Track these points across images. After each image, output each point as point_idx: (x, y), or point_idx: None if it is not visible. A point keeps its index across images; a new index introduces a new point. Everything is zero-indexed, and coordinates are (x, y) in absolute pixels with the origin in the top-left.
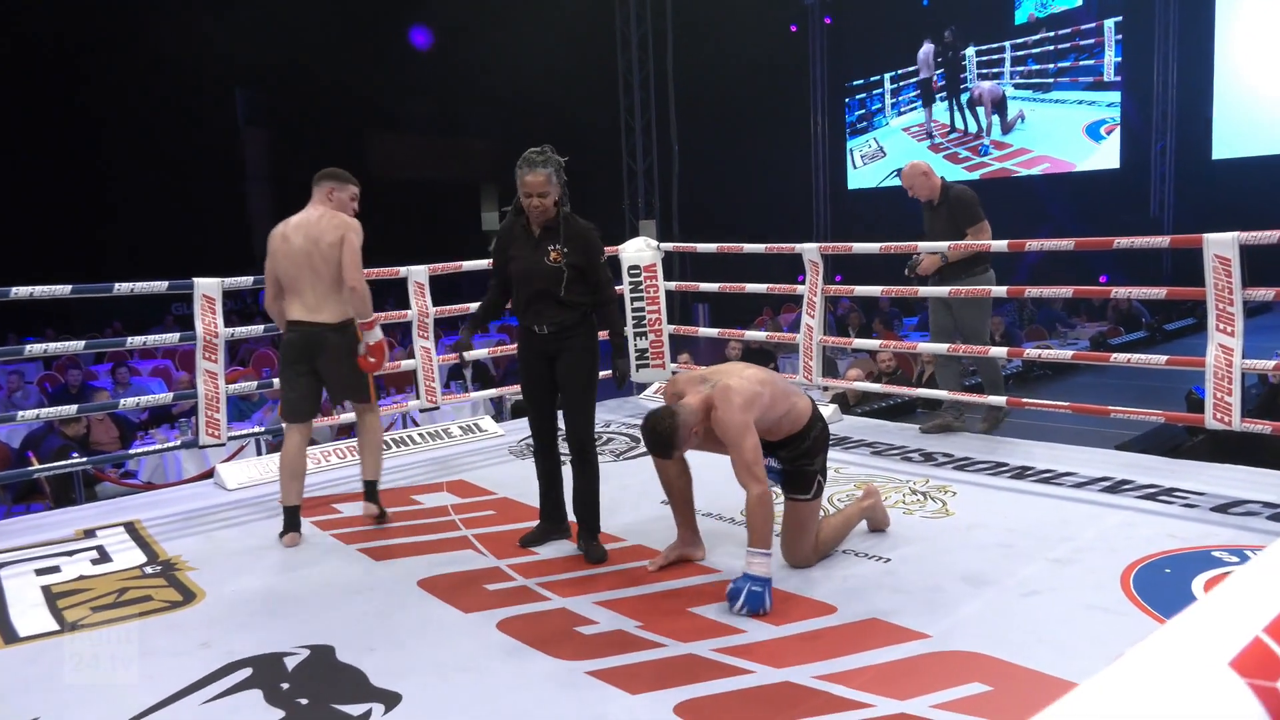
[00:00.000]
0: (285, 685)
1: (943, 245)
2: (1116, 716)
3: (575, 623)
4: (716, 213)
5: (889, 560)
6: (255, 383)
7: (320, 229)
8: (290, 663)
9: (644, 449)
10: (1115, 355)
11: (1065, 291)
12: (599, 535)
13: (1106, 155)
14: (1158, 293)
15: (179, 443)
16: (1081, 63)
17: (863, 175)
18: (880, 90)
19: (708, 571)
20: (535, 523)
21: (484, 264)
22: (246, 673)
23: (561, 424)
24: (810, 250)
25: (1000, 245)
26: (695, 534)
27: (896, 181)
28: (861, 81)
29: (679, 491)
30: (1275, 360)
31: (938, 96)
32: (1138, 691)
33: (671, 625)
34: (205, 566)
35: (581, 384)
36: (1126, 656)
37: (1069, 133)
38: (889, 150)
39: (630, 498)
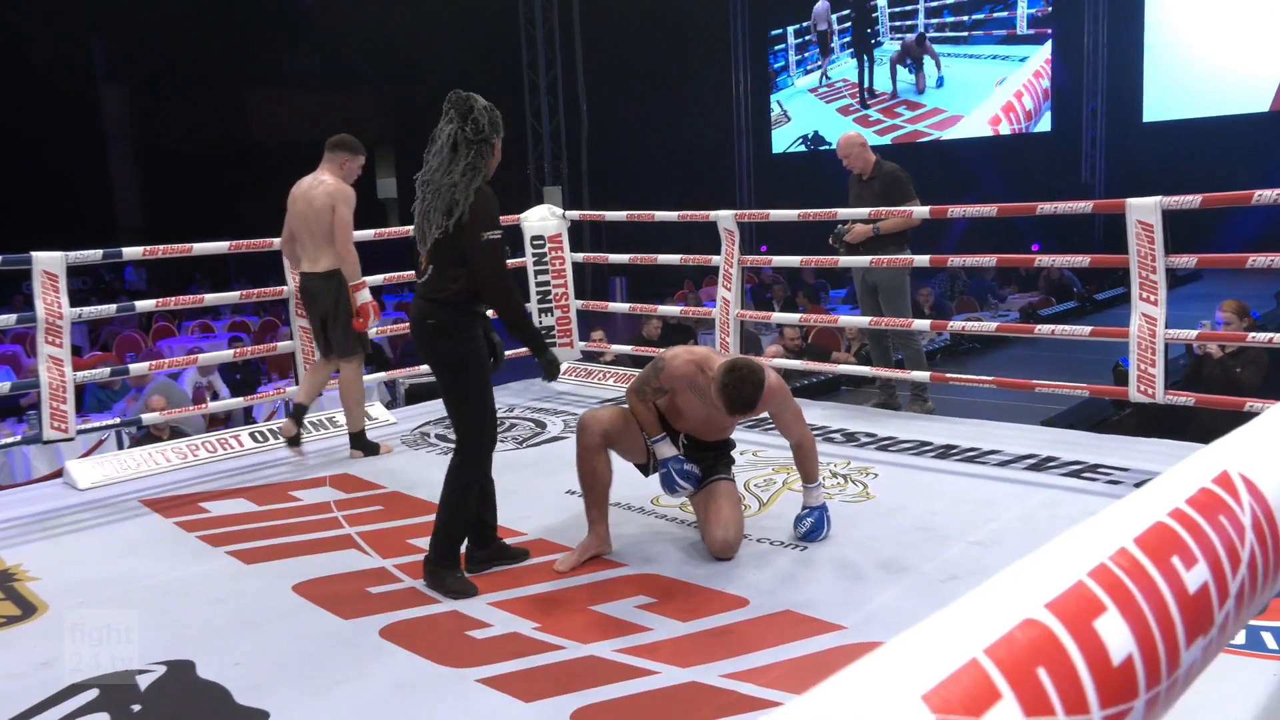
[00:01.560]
0: (137, 707)
1: (863, 212)
2: None
3: (466, 626)
4: (631, 179)
5: (805, 549)
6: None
7: (314, 195)
8: (143, 681)
9: (549, 435)
10: (1040, 327)
11: (988, 260)
12: (440, 566)
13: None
14: (1081, 260)
15: (20, 438)
16: (996, 14)
17: (778, 139)
18: (783, 46)
19: (612, 566)
20: (427, 518)
21: (381, 234)
22: (92, 695)
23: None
24: (725, 218)
25: (923, 211)
26: (608, 529)
27: (803, 148)
28: (779, 31)
29: (603, 484)
30: (1199, 330)
31: (846, 52)
32: None
33: (571, 625)
34: (49, 576)
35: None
36: (822, 685)
37: (985, 92)
38: (793, 113)
39: (531, 487)
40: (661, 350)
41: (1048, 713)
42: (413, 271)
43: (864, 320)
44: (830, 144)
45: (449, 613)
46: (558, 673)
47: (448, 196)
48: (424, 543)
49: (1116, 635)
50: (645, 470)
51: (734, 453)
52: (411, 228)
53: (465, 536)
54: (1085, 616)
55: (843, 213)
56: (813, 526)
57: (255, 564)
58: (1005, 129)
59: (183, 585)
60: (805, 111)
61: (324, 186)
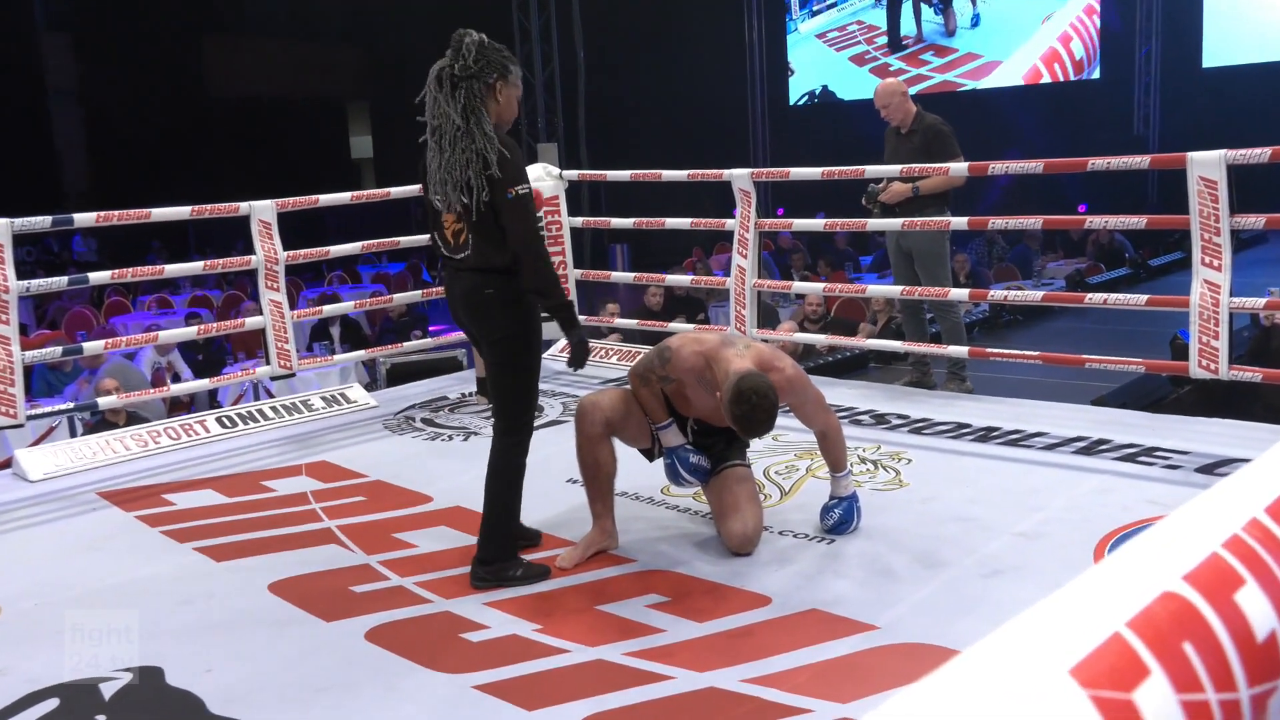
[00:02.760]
0: (101, 718)
1: (894, 169)
2: None
3: (461, 628)
4: (633, 134)
5: (833, 541)
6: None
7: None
8: (108, 690)
9: (547, 419)
10: (1090, 296)
11: (1034, 223)
12: (494, 561)
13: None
14: (1136, 222)
15: None
16: None
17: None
18: None
19: (620, 562)
20: (414, 509)
21: (358, 197)
22: (52, 704)
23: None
24: (740, 177)
25: (962, 169)
26: (614, 523)
27: (810, 104)
28: None
29: (606, 474)
30: (1267, 298)
31: None
32: (962, 699)
33: (575, 627)
34: (1, 576)
35: None
36: (960, 659)
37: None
38: (798, 65)
39: (529, 476)
40: (668, 338)
41: (1197, 689)
42: (398, 239)
43: (896, 289)
44: (841, 98)
45: (441, 614)
46: (563, 678)
47: (466, 145)
48: (412, 537)
49: (1258, 609)
50: (650, 455)
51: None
52: (418, 187)
53: (516, 518)
54: (1225, 590)
55: (872, 170)
56: (841, 518)
57: (226, 561)
58: (1047, 77)
59: (147, 584)
60: (812, 63)
61: None
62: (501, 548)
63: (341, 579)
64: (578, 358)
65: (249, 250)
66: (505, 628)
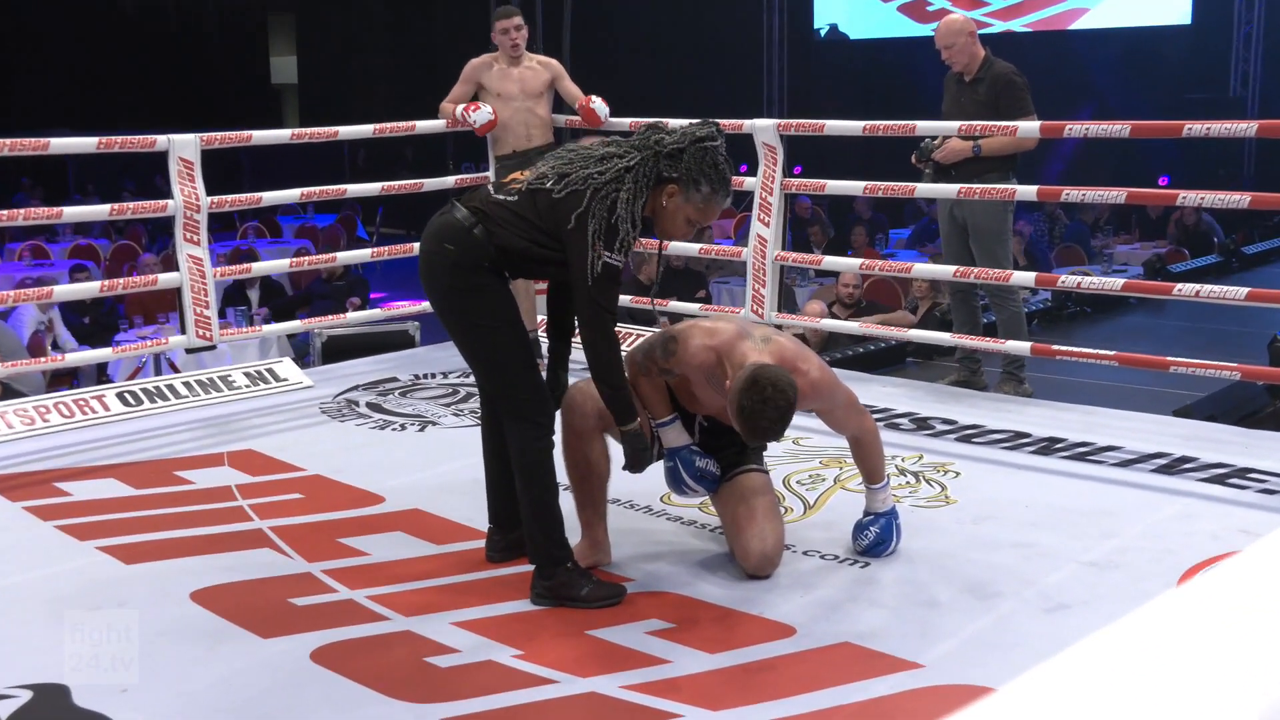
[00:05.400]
0: None
1: (952, 125)
2: None
3: (425, 651)
4: (627, 73)
5: (867, 565)
6: None
7: None
8: (4, 709)
9: None
10: (1180, 286)
11: (1115, 195)
12: (552, 572)
13: (1170, 6)
14: (1238, 200)
15: None
16: None
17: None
18: None
19: (614, 580)
20: (363, 510)
21: (283, 135)
22: None
23: None
24: (764, 130)
25: (1032, 129)
26: (607, 534)
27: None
28: None
29: (599, 477)
30: None
31: None
32: None
33: (563, 654)
34: None
35: None
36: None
37: None
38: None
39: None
40: (674, 326)
41: None
42: (344, 186)
43: (947, 270)
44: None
45: (401, 634)
46: (550, 713)
47: (606, 186)
48: (361, 543)
49: None
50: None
51: None
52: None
53: (561, 519)
54: None
55: (925, 125)
56: (879, 537)
57: (138, 564)
58: (1123, 20)
59: (44, 588)
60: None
61: None
62: (552, 557)
63: (279, 589)
64: (634, 462)
65: (143, 192)
66: (479, 652)
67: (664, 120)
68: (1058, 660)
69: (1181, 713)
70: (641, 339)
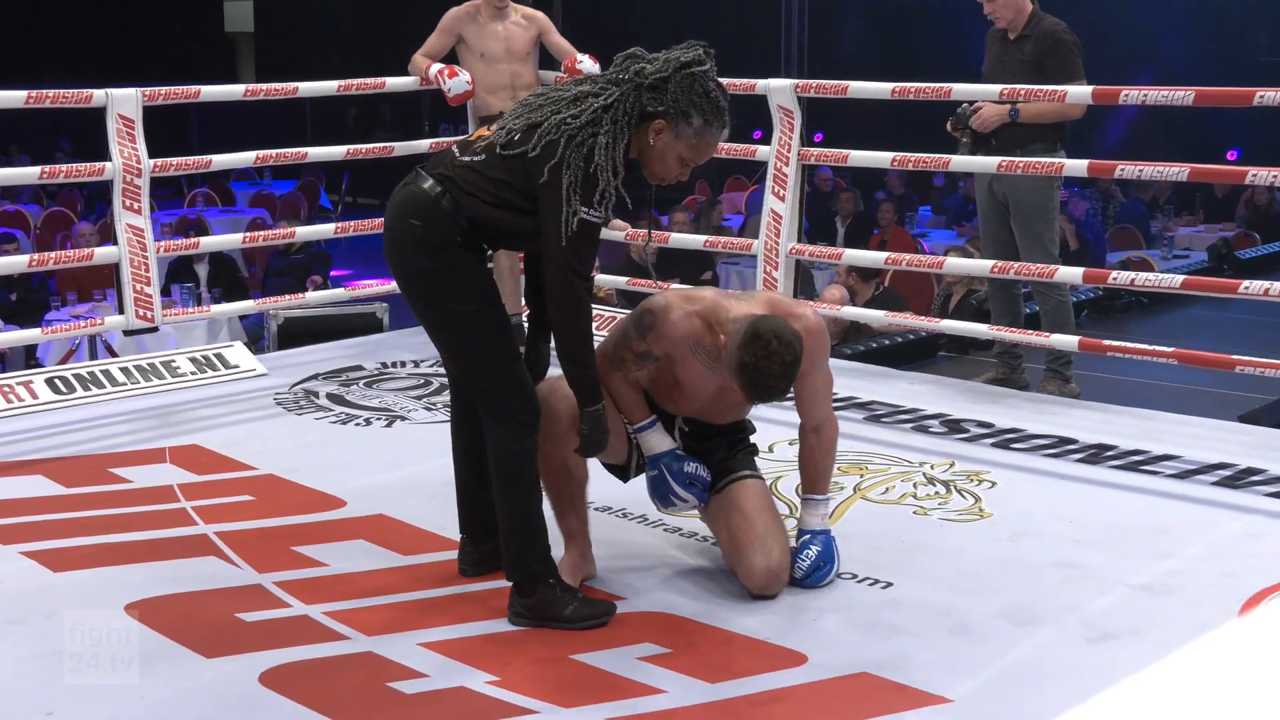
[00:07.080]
0: None
1: (993, 88)
2: None
3: (389, 675)
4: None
5: (890, 585)
6: None
7: None
8: None
9: None
10: (1247, 283)
11: (1177, 172)
12: (532, 589)
13: None
14: None
15: None
16: None
17: None
18: None
19: (599, 597)
20: (321, 515)
21: (235, 91)
22: None
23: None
24: (779, 91)
25: (1083, 94)
26: (590, 544)
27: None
28: None
29: (578, 483)
30: None
31: None
32: None
33: (542, 681)
34: None
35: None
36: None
37: None
38: None
39: None
40: (646, 300)
41: None
42: (304, 149)
43: (984, 265)
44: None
45: (362, 655)
46: None
47: (582, 132)
48: (318, 553)
49: None
50: (624, 473)
51: (754, 438)
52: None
53: (544, 530)
54: None
55: (961, 89)
56: (819, 558)
57: (67, 571)
58: None
59: None
60: None
61: None
62: (532, 572)
63: (225, 602)
64: (587, 445)
65: (80, 153)
66: (449, 677)
67: (642, 49)
68: (1103, 697)
69: None
70: (610, 324)
